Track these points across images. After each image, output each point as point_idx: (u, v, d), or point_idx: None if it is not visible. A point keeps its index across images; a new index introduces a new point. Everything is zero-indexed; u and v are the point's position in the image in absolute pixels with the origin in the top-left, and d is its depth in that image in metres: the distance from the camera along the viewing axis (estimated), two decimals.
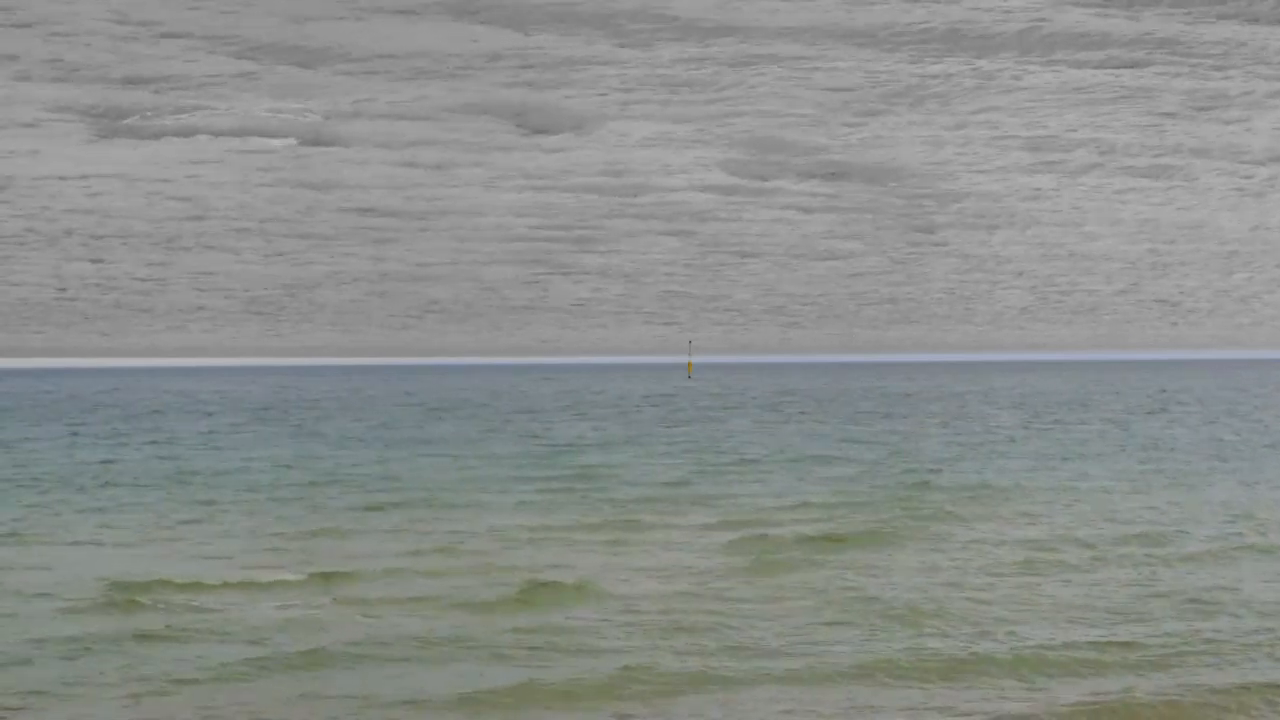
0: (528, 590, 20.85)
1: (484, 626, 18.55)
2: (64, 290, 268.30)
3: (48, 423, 78.80)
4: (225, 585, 21.61)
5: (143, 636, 17.94)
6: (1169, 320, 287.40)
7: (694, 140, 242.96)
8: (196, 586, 21.44)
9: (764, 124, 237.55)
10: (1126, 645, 17.07)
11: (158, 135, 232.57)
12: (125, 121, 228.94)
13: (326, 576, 22.33)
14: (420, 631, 18.25)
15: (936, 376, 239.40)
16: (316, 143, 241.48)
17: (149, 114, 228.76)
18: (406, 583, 21.93)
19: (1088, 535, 26.84)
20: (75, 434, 66.05)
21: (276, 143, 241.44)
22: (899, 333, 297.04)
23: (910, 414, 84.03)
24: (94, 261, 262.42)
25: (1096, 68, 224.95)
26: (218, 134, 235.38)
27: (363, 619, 19.10)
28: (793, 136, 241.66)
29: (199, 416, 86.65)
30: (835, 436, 60.89)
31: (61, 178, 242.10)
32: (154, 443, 58.48)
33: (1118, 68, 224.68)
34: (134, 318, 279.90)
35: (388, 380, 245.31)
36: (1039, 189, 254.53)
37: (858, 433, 63.81)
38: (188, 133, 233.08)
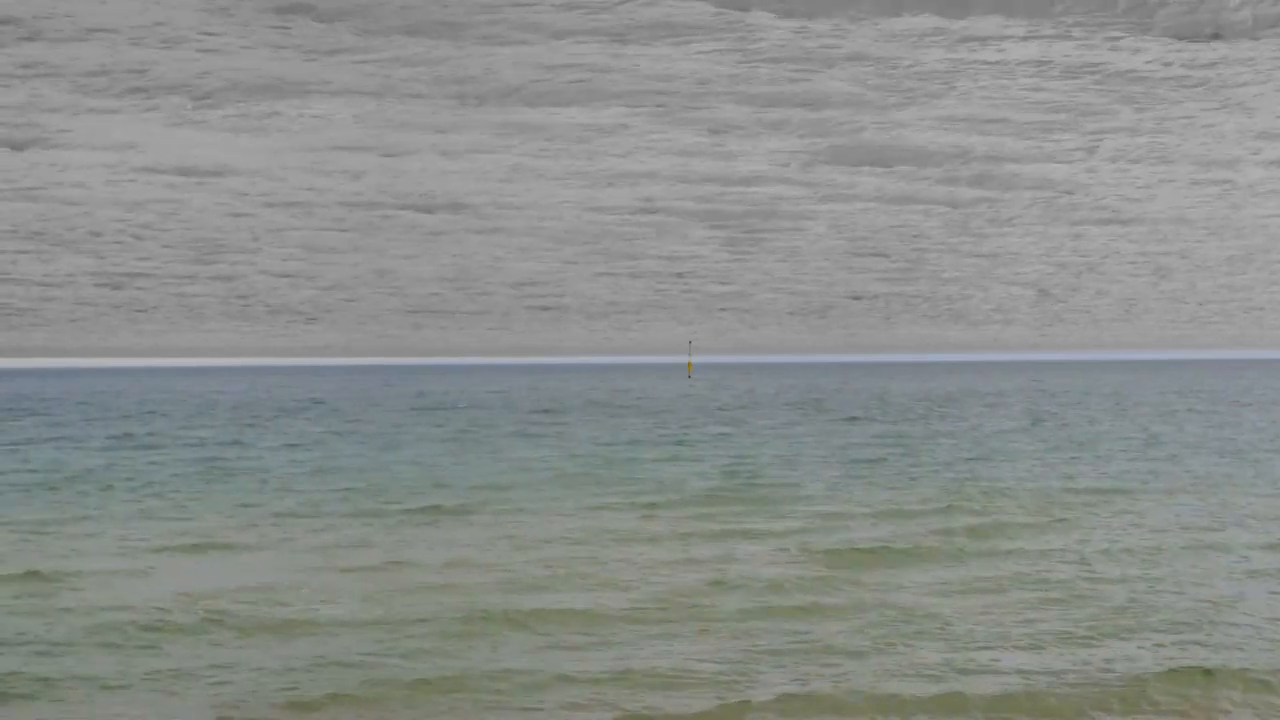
0: (626, 602, 19.28)
1: (585, 648, 16.92)
2: (73, 288, 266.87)
3: (71, 423, 77.33)
4: (298, 595, 20.00)
5: (213, 661, 16.35)
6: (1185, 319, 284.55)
7: (749, 129, 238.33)
8: (265, 598, 19.85)
9: (820, 116, 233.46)
10: None
11: (197, 124, 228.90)
12: (167, 108, 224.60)
13: (411, 584, 20.78)
14: (520, 650, 16.63)
15: (948, 378, 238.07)
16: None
17: (193, 104, 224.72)
18: (491, 594, 20.24)
19: (1216, 539, 25.24)
20: (101, 434, 64.50)
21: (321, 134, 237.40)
22: (904, 331, 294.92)
23: (951, 414, 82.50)
24: (102, 258, 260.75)
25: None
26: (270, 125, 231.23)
27: (459, 637, 17.43)
28: (847, 125, 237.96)
29: (217, 416, 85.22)
30: (887, 435, 59.23)
31: (87, 169, 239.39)
32: (187, 444, 56.92)
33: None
34: (143, 317, 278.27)
35: (389, 380, 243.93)
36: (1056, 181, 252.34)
37: (908, 431, 62.19)
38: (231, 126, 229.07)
